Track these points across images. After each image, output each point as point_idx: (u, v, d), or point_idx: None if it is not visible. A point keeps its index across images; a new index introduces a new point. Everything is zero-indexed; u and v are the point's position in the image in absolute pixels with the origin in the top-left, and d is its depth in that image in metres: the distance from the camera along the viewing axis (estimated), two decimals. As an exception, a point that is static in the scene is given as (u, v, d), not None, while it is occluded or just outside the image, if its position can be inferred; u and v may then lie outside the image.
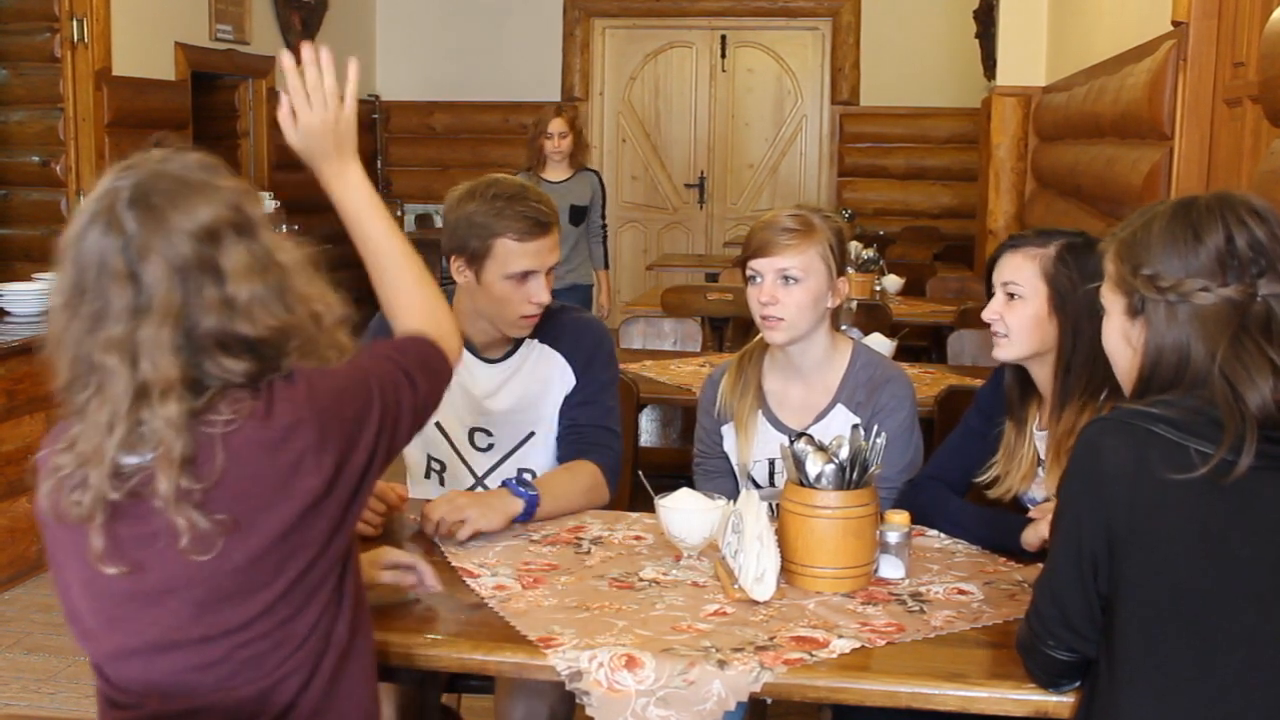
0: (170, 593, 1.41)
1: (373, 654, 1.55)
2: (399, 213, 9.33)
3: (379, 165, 9.52)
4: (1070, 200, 5.24)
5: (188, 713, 1.43)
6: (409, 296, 1.69)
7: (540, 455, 2.54)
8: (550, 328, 2.53)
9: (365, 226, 1.73)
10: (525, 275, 2.37)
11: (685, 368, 3.97)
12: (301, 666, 1.45)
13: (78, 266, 1.41)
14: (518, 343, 2.52)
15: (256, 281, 1.42)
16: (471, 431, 2.53)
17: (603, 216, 5.77)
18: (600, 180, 5.75)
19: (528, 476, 2.31)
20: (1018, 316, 2.19)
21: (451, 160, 9.18)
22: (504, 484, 2.25)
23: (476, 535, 2.17)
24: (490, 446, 2.54)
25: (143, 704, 1.45)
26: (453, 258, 2.41)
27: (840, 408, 2.43)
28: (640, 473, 2.22)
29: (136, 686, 1.45)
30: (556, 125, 5.60)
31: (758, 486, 2.49)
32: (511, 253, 2.36)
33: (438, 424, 2.54)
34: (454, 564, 2.08)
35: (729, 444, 2.53)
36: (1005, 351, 2.21)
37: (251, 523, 1.39)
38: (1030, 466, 2.23)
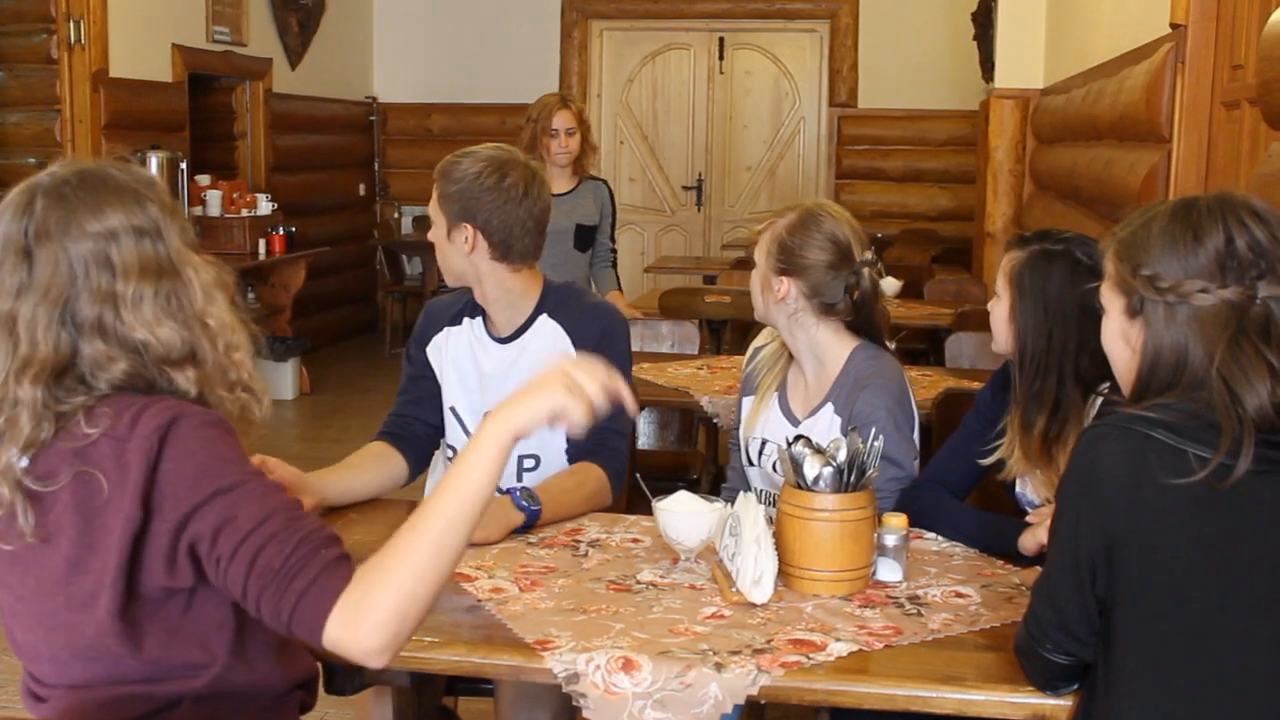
0: (42, 591, 1.44)
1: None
2: (396, 214, 9.36)
3: (376, 167, 9.52)
4: (1068, 203, 5.24)
5: (95, 698, 1.46)
6: (401, 577, 1.36)
7: (542, 446, 2.50)
8: (562, 305, 2.51)
9: (449, 483, 1.46)
10: None
11: (683, 370, 3.96)
12: (195, 652, 1.47)
13: None
14: (529, 320, 2.49)
15: (147, 283, 1.44)
16: (485, 417, 2.49)
17: (612, 238, 4.82)
18: (610, 192, 4.82)
19: (531, 488, 2.27)
20: (993, 315, 2.27)
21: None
22: (507, 493, 2.23)
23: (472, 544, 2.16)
24: None
25: (52, 695, 1.49)
26: (477, 229, 2.40)
27: (829, 407, 2.44)
28: (638, 475, 2.23)
29: (48, 679, 1.49)
30: (563, 119, 4.62)
31: (749, 462, 2.53)
32: None
33: (452, 409, 2.52)
34: (451, 567, 2.07)
35: (743, 414, 2.57)
36: (994, 345, 2.28)
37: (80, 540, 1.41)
38: (1027, 455, 2.25)
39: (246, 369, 1.53)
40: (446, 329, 2.56)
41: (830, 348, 2.47)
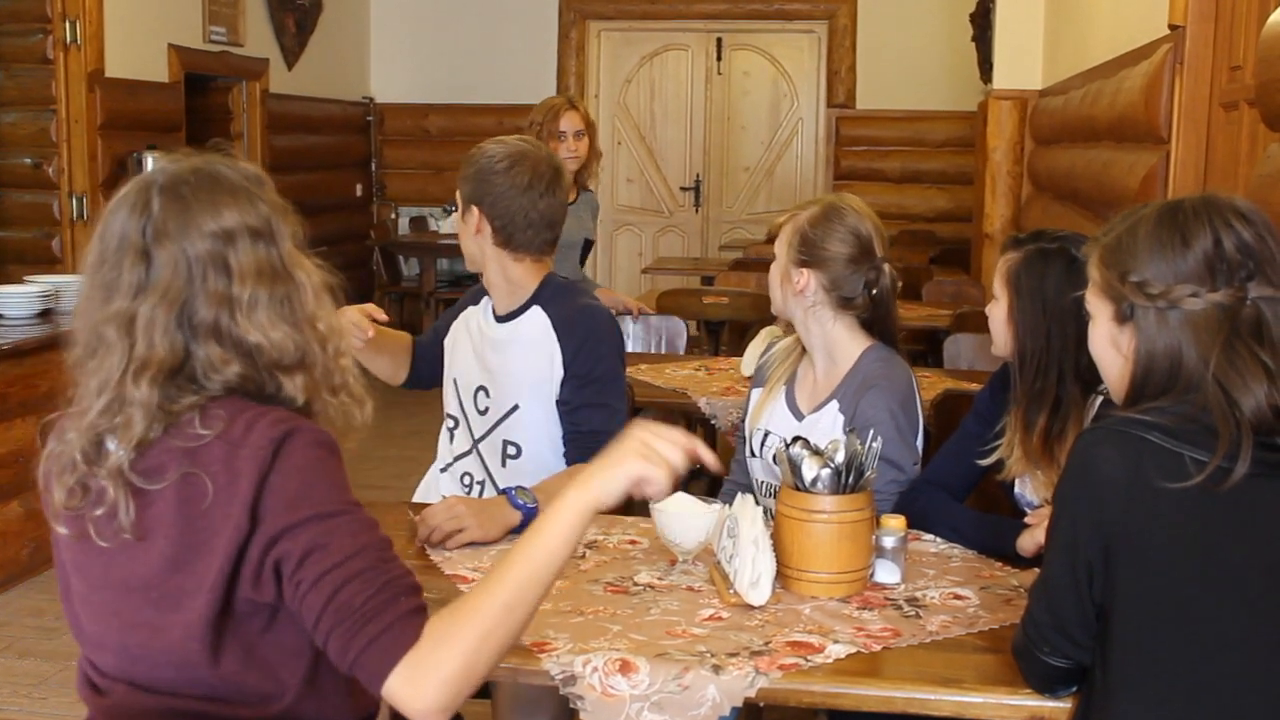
0: (130, 586, 1.44)
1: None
2: (393, 214, 9.33)
3: (373, 168, 9.50)
4: (1067, 204, 5.24)
5: (159, 705, 1.45)
6: (468, 639, 1.36)
7: (523, 434, 2.51)
8: (555, 300, 2.53)
9: (524, 547, 1.45)
10: None
11: (680, 371, 3.95)
12: (277, 670, 1.45)
13: (104, 240, 1.47)
14: (522, 308, 2.52)
15: (263, 286, 1.45)
16: (476, 390, 2.55)
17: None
18: (595, 202, 4.68)
19: (527, 488, 2.27)
20: (992, 318, 2.28)
21: (446, 163, 9.16)
22: (504, 493, 2.23)
23: (469, 543, 2.17)
24: (486, 410, 2.54)
25: (113, 690, 1.47)
26: (482, 214, 2.44)
27: (834, 404, 2.44)
28: None
29: (111, 672, 1.48)
30: (571, 121, 4.41)
31: (752, 454, 2.55)
32: None
33: (454, 379, 2.59)
34: (446, 570, 2.07)
35: (751, 404, 2.60)
36: (993, 348, 2.29)
37: (183, 543, 1.41)
38: (1027, 454, 2.25)
39: (351, 373, 1.53)
40: (471, 307, 2.66)
41: (843, 345, 2.48)
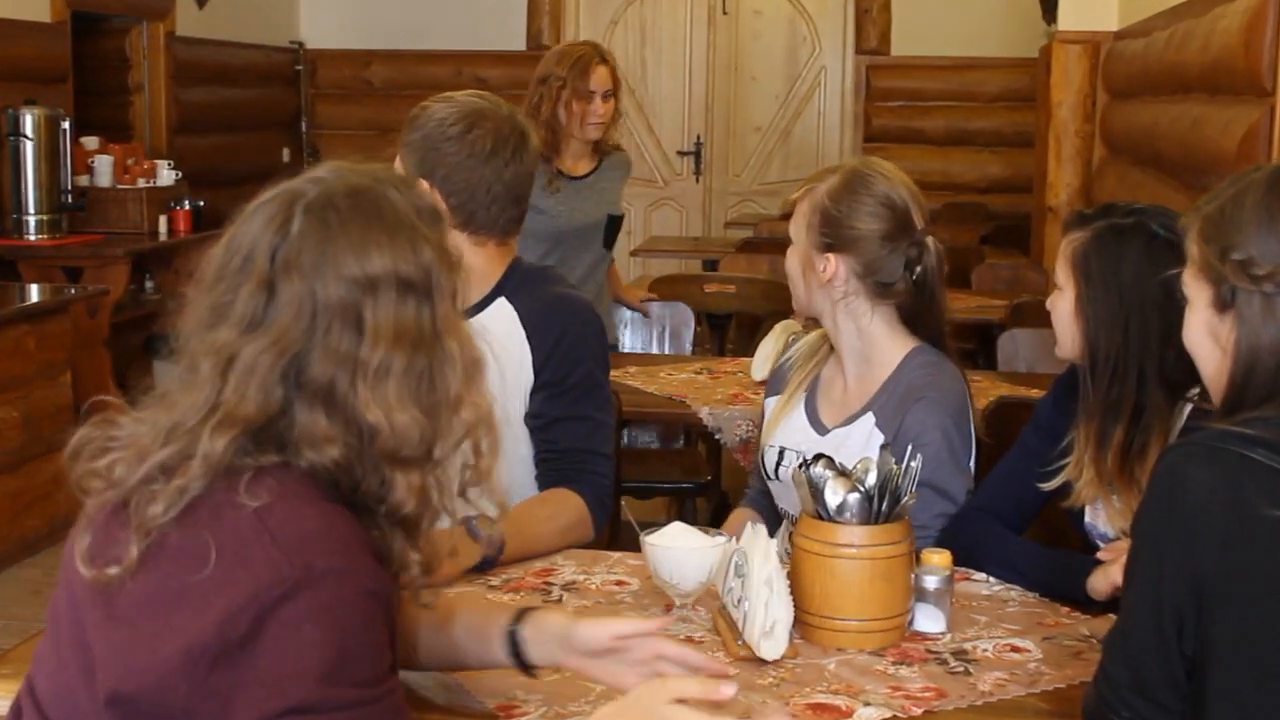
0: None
1: None
2: None
3: (303, 128, 9.52)
4: (1148, 170, 5.27)
5: None
6: None
7: (504, 468, 2.47)
8: (523, 289, 2.54)
9: None
10: None
11: (678, 375, 3.97)
12: None
13: (229, 250, 1.46)
14: (485, 301, 2.52)
15: (400, 353, 1.42)
16: None
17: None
18: (628, 161, 4.66)
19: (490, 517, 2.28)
20: (1055, 312, 2.29)
21: (392, 121, 9.00)
22: (462, 522, 2.18)
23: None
24: None
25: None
26: (434, 189, 2.43)
27: (868, 418, 2.46)
28: (624, 503, 2.28)
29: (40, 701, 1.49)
30: (601, 79, 4.37)
31: (767, 476, 2.58)
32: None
33: None
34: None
35: (766, 415, 2.63)
36: (1058, 349, 2.31)
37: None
38: (1101, 475, 2.27)
39: (493, 486, 1.52)
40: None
41: (882, 344, 2.50)
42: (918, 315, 2.49)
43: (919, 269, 2.45)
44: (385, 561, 1.43)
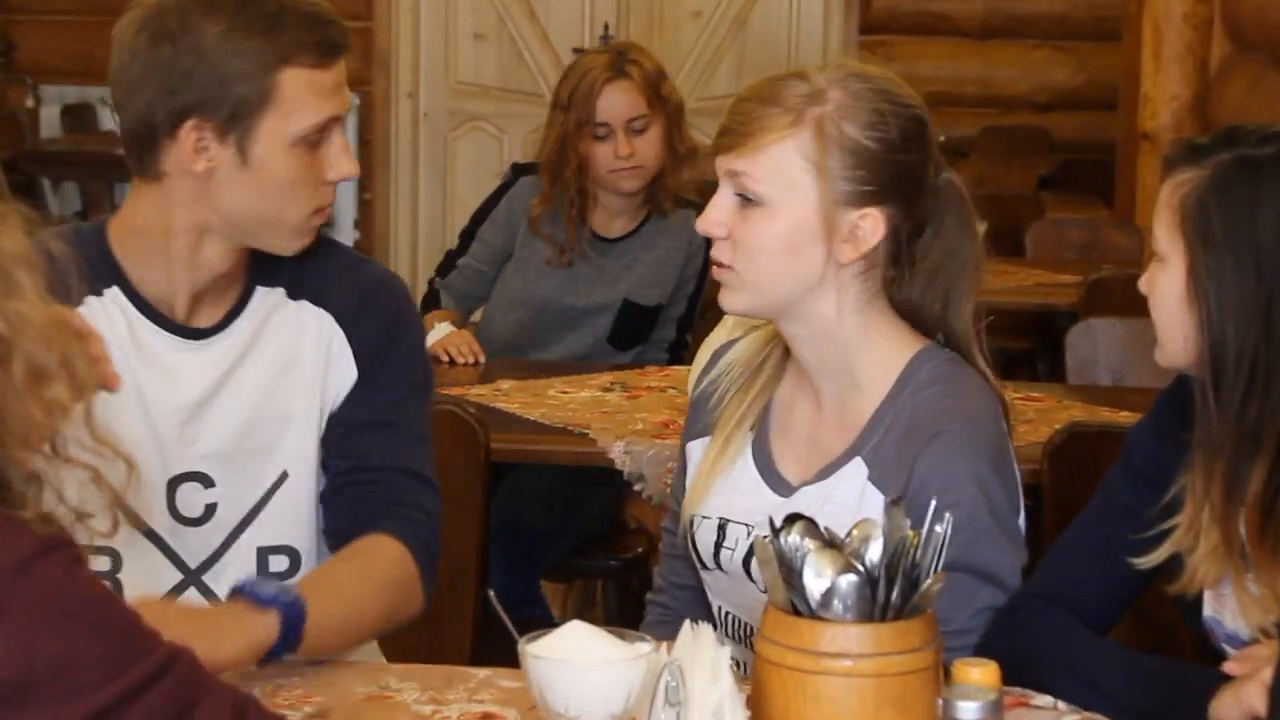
0: None
1: None
2: (30, 100, 9.41)
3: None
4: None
5: None
6: None
7: (301, 521, 2.62)
8: (312, 274, 2.64)
9: None
10: (326, 128, 2.52)
11: (576, 394, 4.04)
12: None
13: None
14: (244, 298, 2.60)
15: None
16: (174, 485, 2.61)
17: (690, 324, 4.77)
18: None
19: (282, 582, 2.38)
20: (1155, 291, 2.36)
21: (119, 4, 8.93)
22: (238, 590, 2.31)
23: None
24: (210, 510, 2.60)
25: None
26: (174, 133, 2.46)
27: (857, 466, 2.51)
28: (492, 594, 2.26)
29: None
30: (618, 101, 4.52)
31: (701, 564, 2.65)
32: (306, 92, 2.48)
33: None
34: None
35: (690, 474, 2.69)
36: (1159, 351, 2.38)
37: None
38: (1229, 544, 2.30)
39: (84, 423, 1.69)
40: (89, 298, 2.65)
41: (881, 350, 2.54)
42: (925, 298, 2.55)
43: (940, 221, 2.54)
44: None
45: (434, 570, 2.62)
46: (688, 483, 2.72)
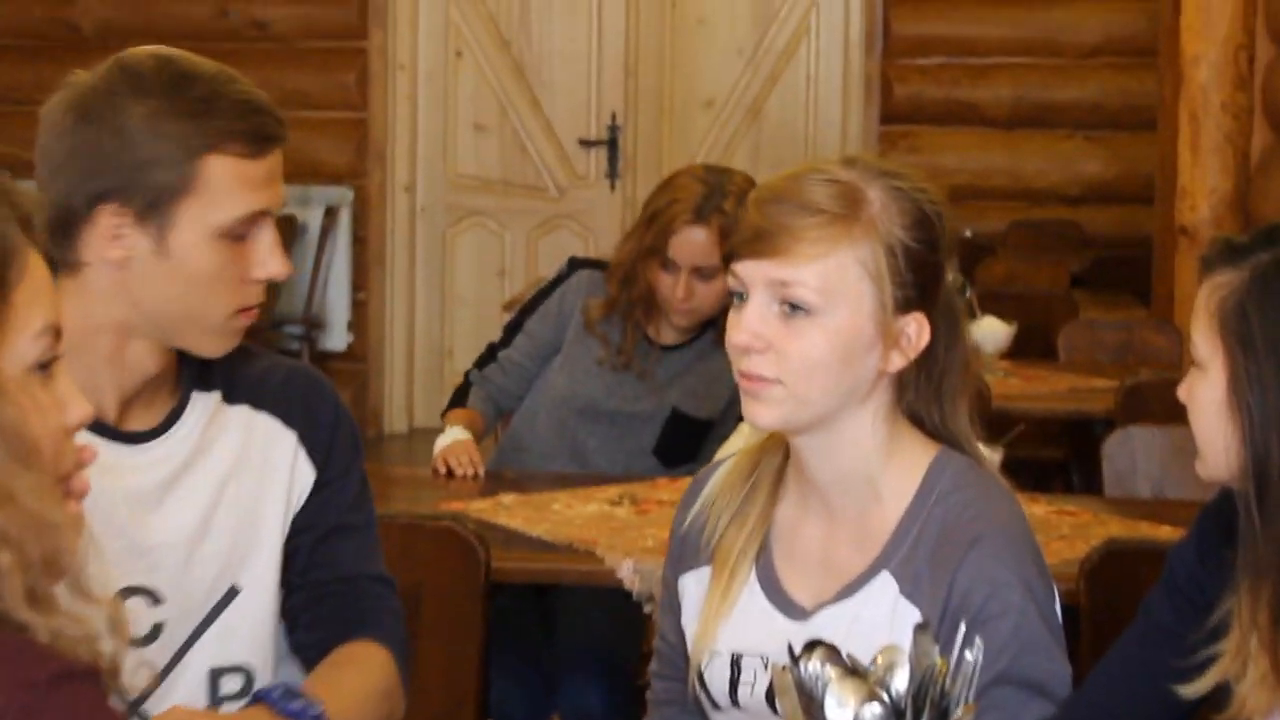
0: None
1: None
2: None
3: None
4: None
5: None
6: None
7: (258, 637, 2.62)
8: (244, 377, 2.64)
9: None
10: (253, 222, 2.51)
11: (583, 508, 4.03)
12: None
13: None
14: (181, 402, 2.60)
15: None
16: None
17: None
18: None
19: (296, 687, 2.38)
20: (1194, 400, 2.36)
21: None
22: (259, 697, 2.32)
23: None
24: (158, 628, 2.59)
25: None
26: (91, 218, 2.45)
27: (884, 581, 2.50)
28: None
29: None
30: (693, 247, 4.54)
31: (713, 705, 2.61)
32: (232, 182, 2.47)
33: None
34: None
35: (688, 610, 2.65)
36: (1200, 463, 2.37)
37: None
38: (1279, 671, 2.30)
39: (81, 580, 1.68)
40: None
41: (899, 460, 2.54)
42: (920, 401, 2.57)
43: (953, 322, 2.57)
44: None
45: (409, 671, 2.65)
46: (686, 619, 2.68)
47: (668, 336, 4.65)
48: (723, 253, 4.27)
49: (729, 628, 2.58)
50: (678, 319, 4.56)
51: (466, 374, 4.79)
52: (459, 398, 4.72)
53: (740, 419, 4.42)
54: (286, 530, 2.64)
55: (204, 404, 2.62)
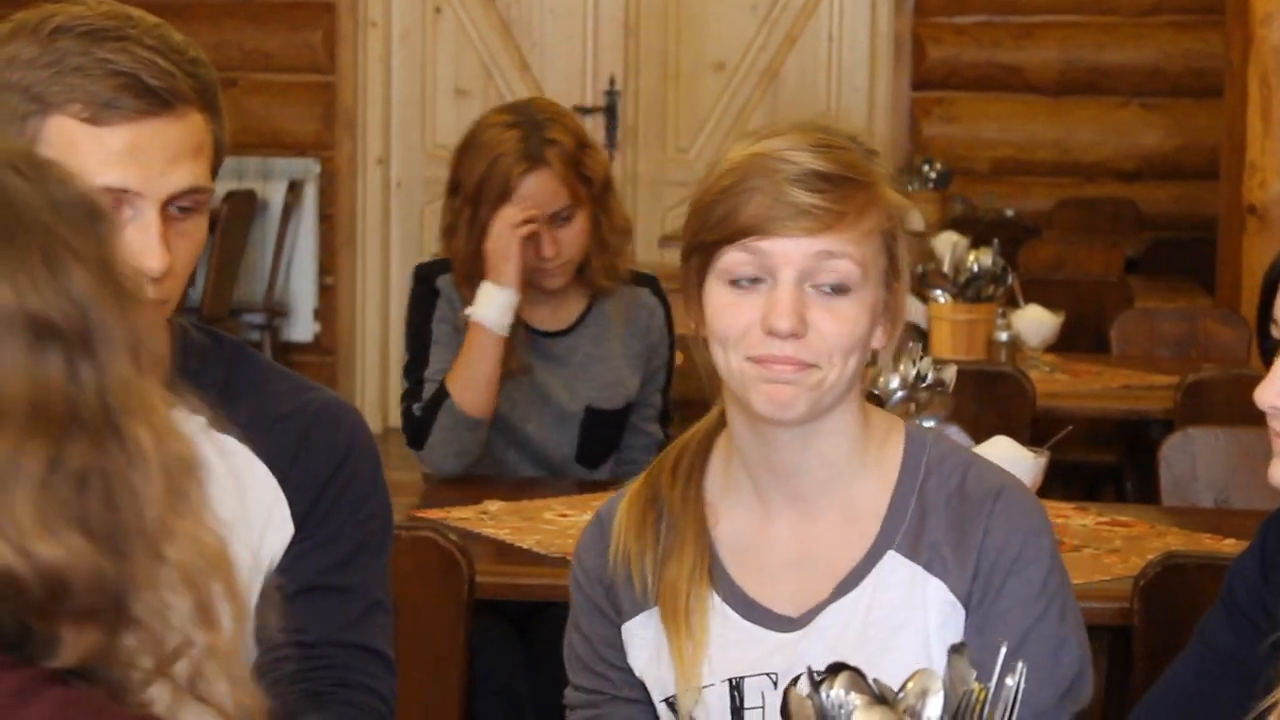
0: None
1: None
2: None
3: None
4: None
5: None
6: None
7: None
8: (246, 402, 2.58)
9: None
10: (113, 202, 2.45)
11: (577, 517, 4.02)
12: None
13: None
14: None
15: (41, 442, 1.50)
16: None
17: (665, 410, 4.87)
18: (667, 314, 4.80)
19: None
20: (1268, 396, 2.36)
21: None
22: None
23: None
24: None
25: None
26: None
27: (891, 560, 2.55)
28: None
29: None
30: (539, 187, 4.51)
31: None
32: (73, 148, 2.45)
33: None
34: None
35: (641, 651, 2.66)
36: (1274, 471, 2.35)
37: None
38: None
39: (236, 675, 1.66)
40: None
41: (875, 437, 2.63)
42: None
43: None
44: None
45: None
46: (642, 662, 2.67)
47: (554, 320, 4.63)
48: (570, 190, 4.43)
49: (710, 663, 2.59)
50: (550, 281, 4.53)
51: (411, 406, 4.58)
52: (429, 414, 4.49)
53: (661, 393, 4.69)
54: (260, 589, 2.56)
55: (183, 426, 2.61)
